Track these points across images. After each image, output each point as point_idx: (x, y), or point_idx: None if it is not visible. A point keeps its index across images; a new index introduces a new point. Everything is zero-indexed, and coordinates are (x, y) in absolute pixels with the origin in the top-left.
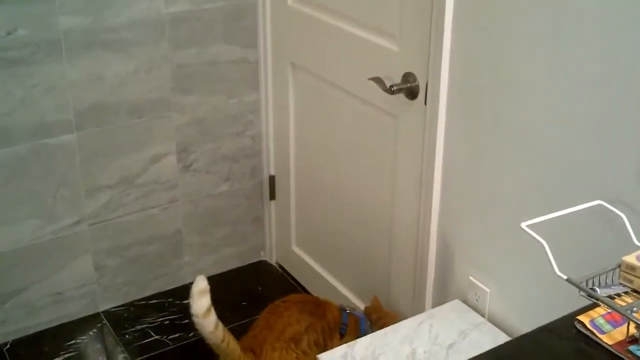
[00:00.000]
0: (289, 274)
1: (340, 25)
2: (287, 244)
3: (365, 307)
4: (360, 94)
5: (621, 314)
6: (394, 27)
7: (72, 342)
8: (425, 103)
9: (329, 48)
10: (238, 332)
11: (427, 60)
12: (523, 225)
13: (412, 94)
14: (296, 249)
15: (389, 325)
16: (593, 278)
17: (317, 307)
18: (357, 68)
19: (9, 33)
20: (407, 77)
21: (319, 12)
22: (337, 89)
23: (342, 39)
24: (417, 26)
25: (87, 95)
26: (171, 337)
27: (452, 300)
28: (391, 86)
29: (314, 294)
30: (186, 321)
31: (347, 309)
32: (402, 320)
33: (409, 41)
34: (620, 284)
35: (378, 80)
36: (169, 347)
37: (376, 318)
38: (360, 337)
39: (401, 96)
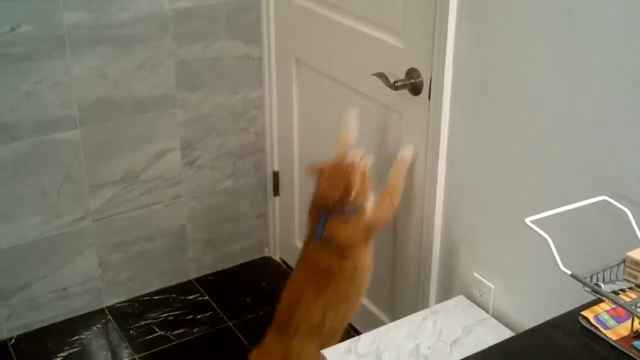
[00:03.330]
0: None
1: (344, 21)
2: (291, 239)
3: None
4: (363, 90)
5: (625, 309)
6: (397, 23)
7: (76, 337)
8: (429, 98)
9: (332, 44)
10: (241, 328)
11: (430, 56)
12: (527, 220)
13: (415, 89)
14: (300, 245)
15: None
16: (597, 273)
17: (319, 276)
18: (361, 64)
19: (13, 29)
20: (411, 72)
21: (322, 7)
22: (341, 85)
23: (345, 35)
24: (420, 22)
25: (91, 91)
26: (175, 332)
27: (456, 296)
28: (395, 82)
29: None
30: (190, 317)
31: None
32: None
33: (412, 37)
34: (625, 279)
35: (382, 76)
36: (173, 343)
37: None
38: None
39: (405, 92)
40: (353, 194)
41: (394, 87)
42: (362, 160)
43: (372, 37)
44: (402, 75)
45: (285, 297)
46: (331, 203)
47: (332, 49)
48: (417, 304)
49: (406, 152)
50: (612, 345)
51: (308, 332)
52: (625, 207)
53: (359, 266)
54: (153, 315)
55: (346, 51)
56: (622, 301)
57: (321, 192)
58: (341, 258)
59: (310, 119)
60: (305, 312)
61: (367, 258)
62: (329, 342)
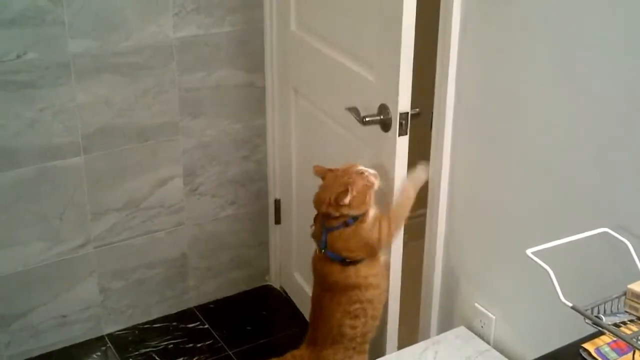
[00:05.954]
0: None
1: (328, 52)
2: (291, 268)
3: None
4: (345, 123)
5: (626, 342)
6: (372, 58)
7: None
8: (399, 135)
9: (319, 74)
10: (241, 357)
11: (397, 93)
12: (528, 252)
13: (385, 126)
14: (297, 275)
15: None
16: (598, 306)
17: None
18: (342, 96)
19: (18, 56)
20: (382, 109)
21: (312, 38)
22: (326, 116)
23: (329, 66)
24: (391, 58)
25: (95, 119)
26: None
27: (457, 327)
28: (364, 117)
29: None
30: (190, 345)
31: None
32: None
33: (384, 73)
34: (626, 312)
35: (354, 110)
36: None
37: (325, 214)
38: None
39: (376, 127)
40: (349, 197)
41: (363, 122)
42: (372, 175)
43: (350, 70)
44: (374, 110)
45: (312, 309)
46: (326, 204)
47: (319, 79)
48: (418, 334)
49: (416, 175)
50: None
51: (332, 342)
52: (626, 239)
53: (363, 282)
54: (153, 343)
55: (330, 82)
56: (623, 334)
57: (320, 192)
58: (343, 267)
59: (306, 148)
60: (326, 323)
61: (371, 273)
62: (361, 347)
